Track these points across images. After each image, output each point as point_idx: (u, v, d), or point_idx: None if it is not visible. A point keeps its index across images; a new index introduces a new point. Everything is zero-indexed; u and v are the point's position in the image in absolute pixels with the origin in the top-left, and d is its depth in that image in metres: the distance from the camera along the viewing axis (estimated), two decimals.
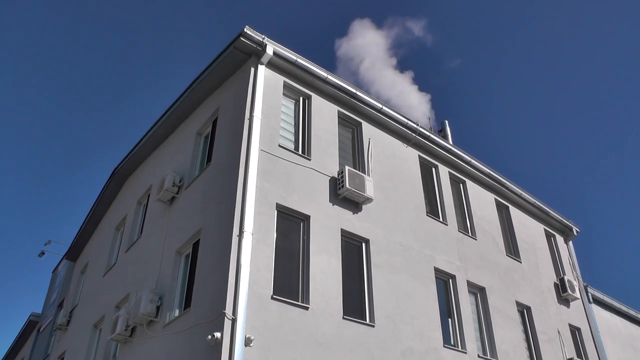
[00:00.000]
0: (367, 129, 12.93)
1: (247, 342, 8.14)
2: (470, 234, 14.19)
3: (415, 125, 13.77)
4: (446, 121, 18.82)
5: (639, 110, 50.27)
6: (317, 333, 9.18)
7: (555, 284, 16.34)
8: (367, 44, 35.72)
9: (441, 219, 13.56)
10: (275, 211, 9.93)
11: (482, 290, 13.46)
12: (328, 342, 9.24)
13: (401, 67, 54.04)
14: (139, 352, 10.82)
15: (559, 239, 18.16)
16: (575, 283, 16.76)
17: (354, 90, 12.58)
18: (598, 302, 18.32)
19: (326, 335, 9.29)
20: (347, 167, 11.15)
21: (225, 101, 11.73)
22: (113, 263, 15.16)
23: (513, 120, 53.49)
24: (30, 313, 24.12)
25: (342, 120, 12.67)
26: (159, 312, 10.54)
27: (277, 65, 11.50)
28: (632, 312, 19.97)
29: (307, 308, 9.28)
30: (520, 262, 15.42)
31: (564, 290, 16.11)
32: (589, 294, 17.71)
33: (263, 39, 10.99)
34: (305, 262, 9.87)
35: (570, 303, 16.48)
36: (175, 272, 10.82)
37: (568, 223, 18.38)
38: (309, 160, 11.09)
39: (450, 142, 15.72)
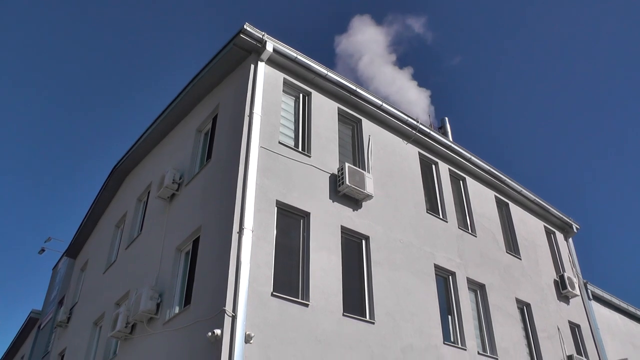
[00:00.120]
0: (367, 126, 12.92)
1: (247, 339, 8.14)
2: (470, 231, 14.19)
3: (415, 122, 13.76)
4: (446, 118, 18.82)
5: (639, 108, 50.25)
6: (317, 330, 9.18)
7: (555, 281, 16.35)
8: (367, 40, 35.69)
9: (441, 216, 13.56)
10: (275, 208, 9.93)
11: (482, 287, 13.46)
12: (328, 339, 9.24)
13: (401, 63, 54.03)
14: (139, 349, 10.83)
15: (559, 236, 18.16)
16: (575, 280, 16.77)
17: (354, 87, 12.56)
18: (598, 299, 18.33)
19: (326, 332, 9.30)
20: (347, 164, 11.15)
21: (225, 98, 11.72)
22: (113, 260, 15.17)
23: (513, 117, 53.48)
24: (31, 310, 24.16)
25: (342, 117, 12.66)
26: (159, 309, 10.54)
27: (277, 62, 11.48)
28: (631, 309, 19.98)
29: (307, 305, 9.29)
30: (520, 259, 15.42)
31: (564, 287, 16.12)
32: (589, 291, 17.72)
33: (263, 35, 10.97)
34: (305, 259, 9.87)
35: (570, 300, 16.49)
36: (175, 269, 10.83)
37: (568, 220, 18.39)
38: (309, 157, 11.08)
39: (450, 139, 15.71)
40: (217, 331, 8.01)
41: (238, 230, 8.98)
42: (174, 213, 11.90)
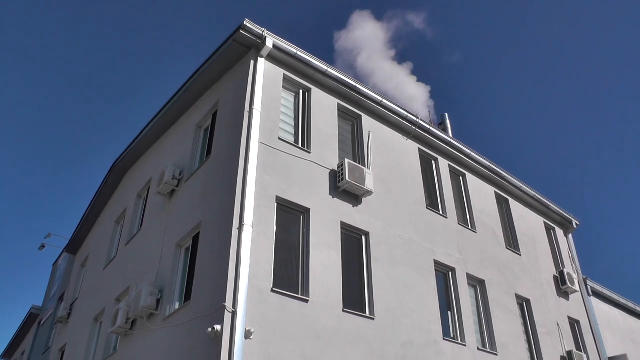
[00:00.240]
0: (367, 122, 12.91)
1: (247, 334, 8.16)
2: (470, 227, 14.20)
3: (415, 118, 13.74)
4: (446, 114, 18.81)
5: (638, 104, 50.20)
6: (317, 326, 9.20)
7: (555, 277, 16.37)
8: (367, 36, 35.62)
9: (441, 212, 13.56)
10: (275, 204, 9.93)
11: (481, 283, 13.48)
12: (328, 335, 9.26)
13: (400, 59, 53.93)
14: (140, 345, 10.85)
15: (559, 232, 18.17)
16: (574, 276, 16.79)
17: (354, 83, 12.55)
18: (597, 294, 18.35)
19: (326, 328, 9.31)
20: (347, 160, 11.14)
21: (225, 94, 11.70)
22: (113, 256, 15.18)
23: (513, 114, 53.44)
24: (31, 306, 24.21)
25: (342, 113, 12.64)
26: (159, 305, 10.56)
27: (277, 58, 11.46)
28: (631, 305, 20.00)
29: (307, 301, 9.30)
30: (520, 255, 15.43)
31: (564, 283, 16.13)
32: (589, 287, 17.74)
33: (263, 31, 10.95)
34: (305, 255, 9.88)
35: (570, 296, 16.51)
36: (176, 265, 10.84)
37: (568, 216, 18.39)
38: (309, 153, 11.08)
39: (450, 135, 15.71)
40: (217, 327, 8.02)
41: (238, 226, 8.98)
42: (174, 209, 11.90)
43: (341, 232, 10.72)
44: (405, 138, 13.77)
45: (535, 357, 13.84)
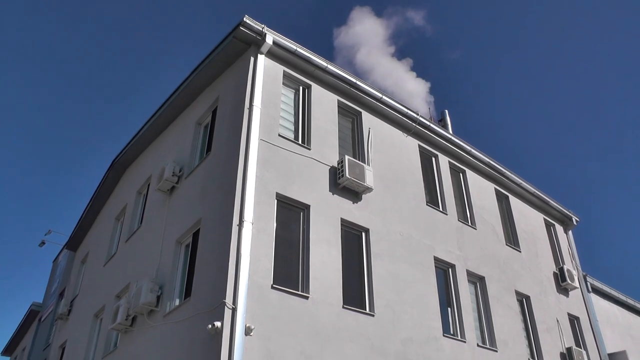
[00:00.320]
0: (367, 119, 12.90)
1: (247, 331, 8.17)
2: (470, 224, 14.20)
3: (415, 115, 13.73)
4: (446, 111, 18.79)
5: (638, 100, 50.16)
6: (317, 322, 9.21)
7: (555, 274, 16.38)
8: (366, 31, 35.55)
9: (441, 209, 13.57)
10: (275, 201, 9.93)
11: (481, 279, 13.49)
12: (328, 332, 9.27)
13: (400, 56, 53.88)
14: (140, 342, 10.87)
15: (559, 229, 18.18)
16: (574, 272, 16.81)
17: (354, 80, 12.53)
18: (597, 291, 18.36)
19: (326, 324, 9.32)
20: (347, 157, 11.14)
21: (225, 91, 11.69)
22: (113, 253, 15.19)
23: (513, 110, 53.40)
24: (32, 303, 24.23)
25: (342, 109, 12.63)
26: (159, 302, 10.57)
27: (277, 54, 11.45)
28: (630, 302, 20.03)
29: (307, 297, 9.31)
30: (520, 252, 15.44)
31: (563, 279, 16.15)
32: (588, 284, 17.76)
33: (262, 28, 10.93)
34: (305, 252, 9.89)
35: (570, 292, 16.53)
36: (176, 261, 10.84)
37: (568, 213, 18.39)
38: (309, 149, 11.07)
39: (450, 132, 15.69)
40: (217, 323, 8.03)
41: (238, 223, 8.98)
42: (173, 206, 11.90)
43: (341, 229, 10.73)
44: (405, 135, 13.76)
45: (535, 354, 13.87)
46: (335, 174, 11.18)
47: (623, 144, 51.91)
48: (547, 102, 53.52)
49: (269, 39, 10.97)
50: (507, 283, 14.16)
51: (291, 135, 11.18)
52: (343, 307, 9.76)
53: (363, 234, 11.19)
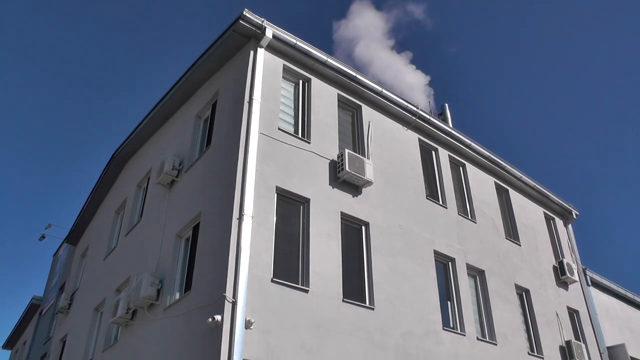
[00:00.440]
0: (367, 112, 12.87)
1: (248, 324, 8.18)
2: (469, 217, 14.21)
3: (415, 109, 13.70)
4: (446, 104, 18.77)
5: (638, 94, 50.07)
6: (317, 316, 9.22)
7: (554, 267, 16.41)
8: (366, 24, 35.40)
9: (441, 202, 13.56)
10: (275, 194, 9.92)
11: (481, 273, 13.51)
12: (328, 325, 9.29)
13: (400, 49, 53.73)
14: (140, 335, 10.90)
15: (559, 222, 18.19)
16: (574, 266, 16.83)
17: (354, 74, 12.50)
18: (596, 284, 18.40)
19: (326, 318, 9.34)
20: (346, 150, 11.12)
21: (224, 84, 11.66)
22: (113, 246, 15.20)
23: (513, 104, 53.31)
24: (32, 297, 24.29)
25: (342, 103, 12.60)
26: (159, 295, 10.59)
27: (277, 48, 11.41)
28: (629, 295, 20.07)
29: (307, 291, 9.32)
30: (520, 245, 15.46)
31: (563, 273, 16.17)
32: (588, 277, 17.79)
33: (262, 22, 10.89)
34: (305, 245, 9.89)
35: (569, 286, 16.55)
36: (176, 255, 10.85)
37: (567, 206, 18.40)
38: (309, 143, 11.06)
39: (450, 125, 15.67)
40: (218, 317, 8.04)
41: (238, 217, 8.98)
42: (173, 199, 11.90)
43: (341, 223, 10.73)
44: (405, 128, 13.74)
45: (535, 347, 13.91)
46: (335, 167, 11.17)
47: (623, 139, 51.89)
48: (547, 95, 53.46)
49: (269, 33, 10.93)
50: (507, 276, 14.18)
51: (291, 129, 11.16)
52: (343, 301, 9.78)
53: (363, 227, 11.20)
